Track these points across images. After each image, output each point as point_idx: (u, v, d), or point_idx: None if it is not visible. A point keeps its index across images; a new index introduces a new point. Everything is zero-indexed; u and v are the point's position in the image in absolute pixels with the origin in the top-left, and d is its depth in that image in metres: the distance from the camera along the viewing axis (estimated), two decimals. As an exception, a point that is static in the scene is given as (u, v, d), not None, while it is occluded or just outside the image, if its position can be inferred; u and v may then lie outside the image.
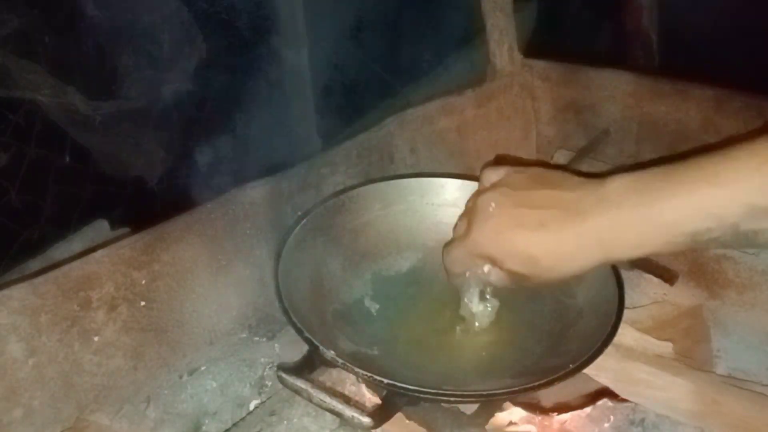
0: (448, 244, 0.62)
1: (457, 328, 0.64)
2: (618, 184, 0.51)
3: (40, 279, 0.58)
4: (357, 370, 0.52)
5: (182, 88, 1.03)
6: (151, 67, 1.01)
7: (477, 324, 0.63)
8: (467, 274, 0.59)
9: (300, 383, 0.51)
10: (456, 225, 0.62)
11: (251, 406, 0.65)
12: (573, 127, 0.96)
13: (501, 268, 0.57)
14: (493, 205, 0.56)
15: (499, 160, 0.64)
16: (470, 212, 0.59)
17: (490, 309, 0.62)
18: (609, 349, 0.55)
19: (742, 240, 0.46)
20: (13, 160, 0.92)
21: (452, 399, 0.53)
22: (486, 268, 0.57)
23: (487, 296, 0.61)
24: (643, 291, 0.75)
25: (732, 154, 0.46)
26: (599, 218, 0.51)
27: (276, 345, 0.72)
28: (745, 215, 0.45)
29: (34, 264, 0.79)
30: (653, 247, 0.50)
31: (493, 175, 0.59)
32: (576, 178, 0.57)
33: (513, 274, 0.56)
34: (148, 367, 0.65)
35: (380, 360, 0.59)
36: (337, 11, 1.22)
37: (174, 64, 1.03)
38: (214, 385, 0.67)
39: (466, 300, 0.62)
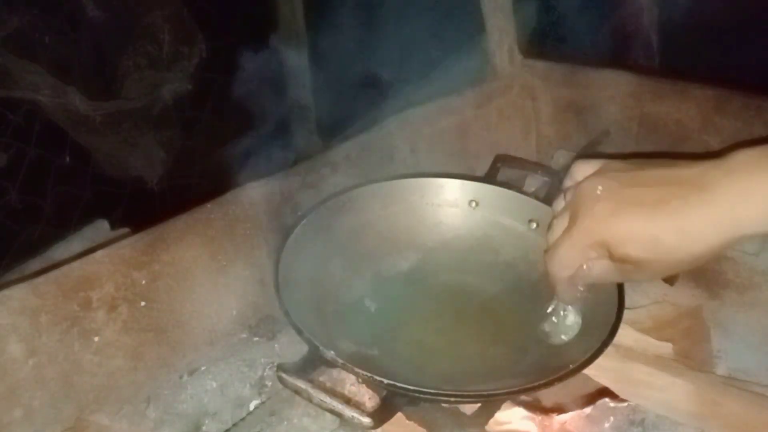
0: (549, 249, 0.54)
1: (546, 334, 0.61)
2: (745, 155, 0.47)
3: (40, 279, 0.58)
4: (357, 370, 0.51)
5: (182, 88, 1.03)
6: (150, 67, 1.01)
7: (563, 337, 0.60)
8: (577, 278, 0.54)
9: (300, 383, 0.51)
10: (550, 228, 0.56)
11: (251, 406, 0.65)
12: (573, 127, 0.96)
13: (616, 253, 0.50)
14: (600, 188, 0.50)
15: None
16: (570, 206, 0.53)
17: (577, 321, 0.60)
18: (609, 349, 0.55)
19: None
20: (13, 160, 0.93)
21: (452, 399, 0.53)
22: (601, 263, 0.51)
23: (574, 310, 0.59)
24: (643, 291, 0.75)
25: None
26: (730, 190, 0.46)
27: (276, 345, 0.72)
28: None
29: (34, 264, 0.79)
30: None
31: (587, 167, 0.53)
32: (684, 160, 0.51)
33: (632, 261, 0.50)
34: (148, 367, 0.65)
35: (380, 360, 0.59)
36: (337, 11, 1.22)
37: (174, 64, 1.03)
38: (214, 385, 0.67)
39: (561, 311, 0.59)
